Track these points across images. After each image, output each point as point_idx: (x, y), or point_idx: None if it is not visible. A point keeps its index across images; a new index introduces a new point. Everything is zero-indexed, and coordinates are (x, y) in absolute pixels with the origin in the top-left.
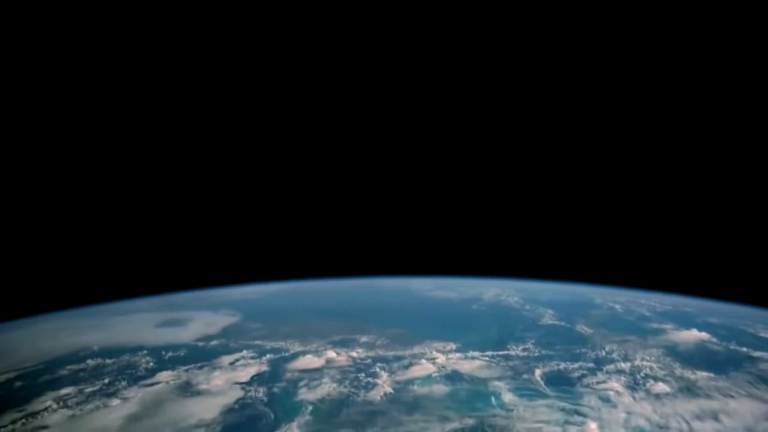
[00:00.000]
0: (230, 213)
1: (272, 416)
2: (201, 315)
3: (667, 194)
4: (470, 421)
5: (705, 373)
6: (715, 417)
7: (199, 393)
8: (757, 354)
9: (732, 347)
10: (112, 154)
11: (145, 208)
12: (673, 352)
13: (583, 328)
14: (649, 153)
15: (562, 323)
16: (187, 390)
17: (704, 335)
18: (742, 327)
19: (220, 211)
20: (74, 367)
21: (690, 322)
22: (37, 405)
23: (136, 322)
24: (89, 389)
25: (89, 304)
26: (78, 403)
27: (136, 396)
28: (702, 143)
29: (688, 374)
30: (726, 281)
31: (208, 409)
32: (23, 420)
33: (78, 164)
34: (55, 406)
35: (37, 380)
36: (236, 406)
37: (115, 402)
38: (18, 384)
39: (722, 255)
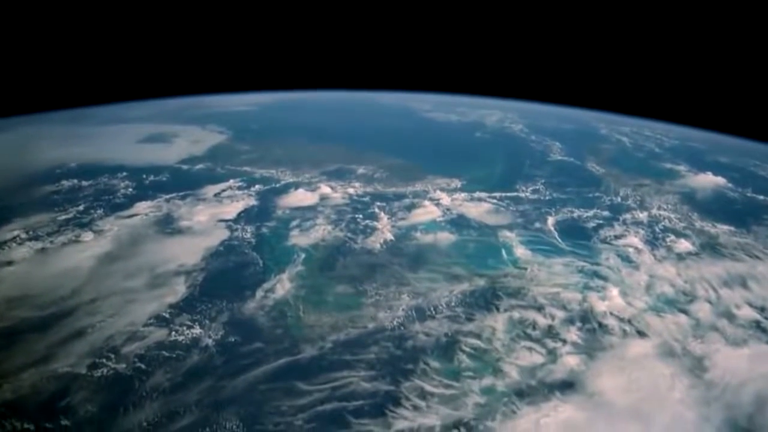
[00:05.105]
0: (225, 13)
1: (260, 263)
2: (188, 130)
3: (672, 18)
4: (481, 282)
5: (726, 227)
6: (743, 283)
7: (180, 231)
8: None
9: (749, 195)
10: None
11: (136, 7)
12: (690, 199)
13: (593, 166)
14: None
15: (571, 159)
16: (167, 226)
17: (720, 180)
18: (752, 169)
19: (215, 11)
20: (48, 188)
21: (702, 162)
22: (3, 234)
23: (120, 135)
24: (62, 217)
25: (75, 107)
26: (49, 234)
27: (111, 229)
28: None
29: (709, 227)
30: (732, 113)
31: (189, 251)
32: None
33: None
34: (23, 236)
35: (7, 202)
36: (221, 248)
37: (89, 236)
38: None
39: (728, 85)
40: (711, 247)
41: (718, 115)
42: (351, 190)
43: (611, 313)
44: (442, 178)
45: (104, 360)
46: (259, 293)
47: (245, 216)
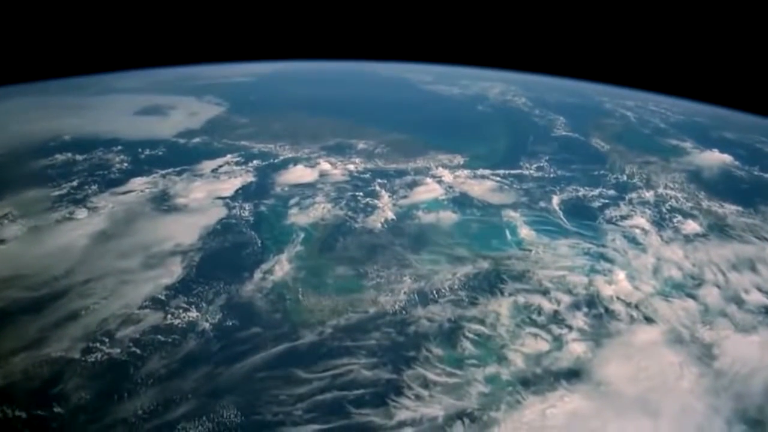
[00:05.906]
0: None
1: (259, 243)
2: (184, 102)
3: None
4: (485, 264)
5: (733, 207)
6: (752, 267)
7: (176, 209)
8: None
9: (756, 173)
10: None
11: None
12: (697, 178)
13: (598, 143)
14: None
15: (576, 135)
16: (163, 203)
17: (727, 158)
18: (759, 146)
19: None
20: (42, 161)
21: (708, 138)
22: None
23: (115, 106)
24: (55, 193)
25: (68, 76)
26: (42, 211)
27: (106, 206)
28: None
29: (716, 207)
30: (738, 87)
31: (186, 230)
32: None
33: None
34: (15, 212)
35: None
36: (218, 227)
37: (83, 213)
38: None
39: (734, 57)
40: (719, 229)
41: (723, 89)
42: (351, 167)
43: (618, 298)
44: (444, 154)
45: (98, 344)
46: (258, 275)
47: (243, 193)
